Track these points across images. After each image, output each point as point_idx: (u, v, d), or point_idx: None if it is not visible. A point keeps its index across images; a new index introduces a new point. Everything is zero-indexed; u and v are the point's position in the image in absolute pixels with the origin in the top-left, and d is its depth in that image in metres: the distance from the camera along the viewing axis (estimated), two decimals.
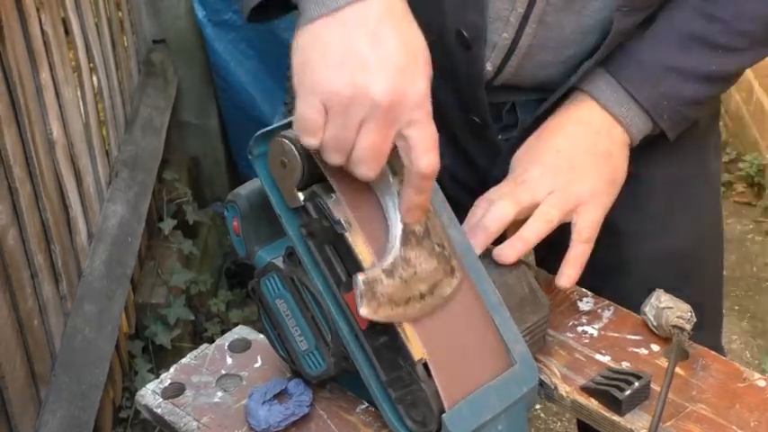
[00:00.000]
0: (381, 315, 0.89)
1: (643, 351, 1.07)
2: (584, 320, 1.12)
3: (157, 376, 1.13)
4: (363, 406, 1.02)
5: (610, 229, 1.16)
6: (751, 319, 2.89)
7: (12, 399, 1.75)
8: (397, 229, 0.91)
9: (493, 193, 1.11)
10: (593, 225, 1.11)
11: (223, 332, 1.74)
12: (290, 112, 1.02)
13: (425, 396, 0.92)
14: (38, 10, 1.99)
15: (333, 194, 0.91)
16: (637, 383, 1.00)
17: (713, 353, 1.07)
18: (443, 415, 0.91)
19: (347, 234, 0.90)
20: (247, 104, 2.98)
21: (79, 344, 2.06)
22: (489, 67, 1.19)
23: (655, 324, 1.08)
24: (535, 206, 1.10)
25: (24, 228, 1.84)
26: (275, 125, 0.95)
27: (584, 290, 1.15)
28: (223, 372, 1.07)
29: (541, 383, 1.02)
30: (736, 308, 2.92)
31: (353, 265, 0.91)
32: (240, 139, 3.07)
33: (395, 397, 0.94)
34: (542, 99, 1.21)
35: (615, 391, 1.00)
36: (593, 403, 1.01)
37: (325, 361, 0.98)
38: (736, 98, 3.59)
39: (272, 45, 2.89)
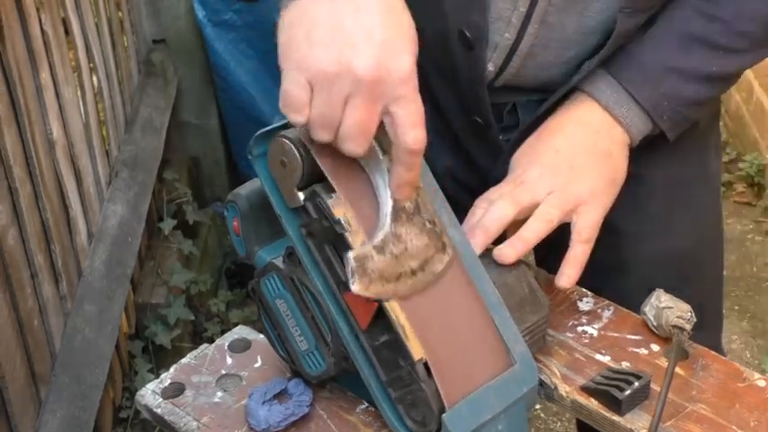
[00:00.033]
0: (373, 291, 0.89)
1: (643, 351, 1.07)
2: (584, 320, 1.12)
3: (157, 376, 1.13)
4: (363, 406, 1.02)
5: (609, 230, 1.16)
6: (751, 319, 2.89)
7: (12, 399, 1.76)
8: (387, 206, 0.91)
9: (492, 193, 1.11)
10: (593, 225, 1.11)
11: (223, 332, 1.74)
12: None
13: (425, 396, 0.92)
14: (38, 10, 1.99)
15: (333, 194, 0.91)
16: (637, 383, 1.00)
17: (713, 353, 1.07)
18: (443, 415, 0.91)
19: (347, 234, 0.90)
20: (247, 104, 2.98)
21: (79, 344, 2.06)
22: (491, 67, 1.19)
23: (655, 324, 1.08)
24: (535, 206, 1.10)
25: (24, 228, 1.84)
26: (275, 125, 0.95)
27: (584, 290, 1.15)
28: (223, 372, 1.07)
29: (541, 383, 1.02)
30: (736, 308, 2.92)
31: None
32: (240, 139, 3.07)
33: (395, 397, 0.94)
34: (543, 100, 1.21)
35: (615, 391, 1.00)
36: (593, 403, 1.02)
37: (325, 361, 0.98)
38: (736, 98, 3.59)
39: (272, 45, 2.88)
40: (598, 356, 1.07)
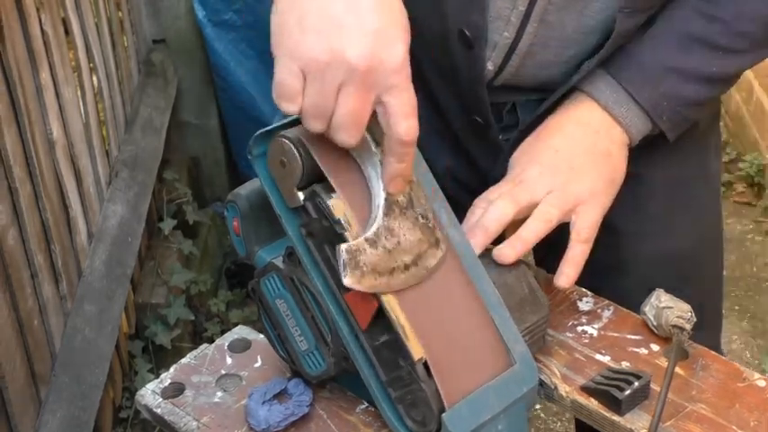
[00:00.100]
0: (365, 285, 0.89)
1: (643, 351, 1.07)
2: (584, 320, 1.12)
3: (157, 376, 1.13)
4: (363, 406, 1.02)
5: (609, 229, 1.16)
6: (751, 319, 2.89)
7: (12, 399, 1.76)
8: (380, 198, 0.91)
9: (491, 192, 1.11)
10: (592, 225, 1.11)
11: (223, 332, 1.74)
12: None
13: (425, 396, 0.92)
14: (38, 10, 1.99)
15: (333, 194, 0.91)
16: (636, 383, 1.00)
17: (713, 353, 1.07)
18: (443, 415, 0.91)
19: (347, 234, 0.90)
20: (247, 104, 2.98)
21: (79, 344, 2.06)
22: (490, 66, 1.19)
23: (655, 324, 1.08)
24: (534, 206, 1.10)
25: (24, 228, 1.84)
26: (275, 125, 0.95)
27: (584, 290, 1.15)
28: (223, 372, 1.07)
29: (541, 383, 1.02)
30: (736, 308, 2.92)
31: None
32: (240, 139, 3.07)
33: (395, 397, 0.94)
34: (543, 99, 1.21)
35: (615, 391, 1.00)
36: (593, 403, 1.02)
37: (325, 361, 0.98)
38: (736, 98, 3.59)
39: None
40: (598, 356, 1.07)
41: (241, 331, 1.12)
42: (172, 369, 1.08)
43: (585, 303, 1.14)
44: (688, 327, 1.05)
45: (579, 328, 1.11)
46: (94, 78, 2.42)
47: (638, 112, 1.16)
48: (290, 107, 0.88)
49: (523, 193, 1.10)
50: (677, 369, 1.03)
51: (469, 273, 0.97)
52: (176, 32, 2.95)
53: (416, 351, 0.91)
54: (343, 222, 0.90)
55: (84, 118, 2.28)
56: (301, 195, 0.93)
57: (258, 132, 0.94)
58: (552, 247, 1.12)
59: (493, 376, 0.95)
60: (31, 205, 1.89)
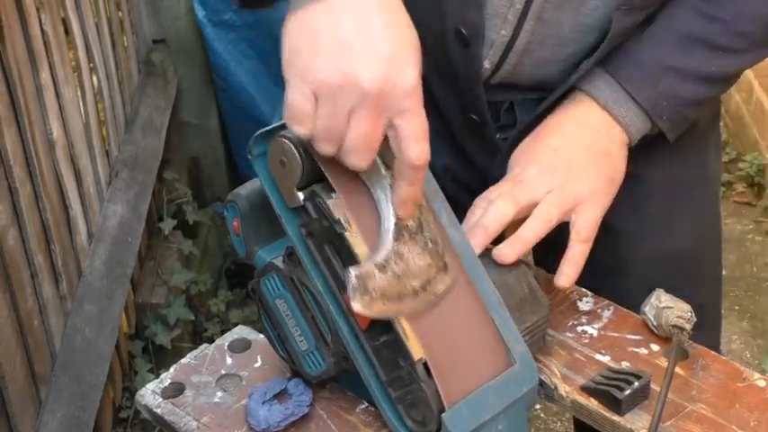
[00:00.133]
0: (374, 311, 0.89)
1: (643, 351, 1.07)
2: (584, 320, 1.12)
3: (157, 376, 1.13)
4: (363, 406, 1.02)
5: (608, 229, 1.16)
6: (751, 319, 2.89)
7: (12, 399, 1.76)
8: (389, 222, 0.91)
9: (491, 192, 1.11)
10: (592, 224, 1.11)
11: (223, 332, 1.74)
12: None
13: (425, 396, 0.92)
14: (38, 10, 1.99)
15: (333, 194, 0.91)
16: (636, 383, 1.00)
17: (713, 353, 1.07)
18: (443, 415, 0.91)
19: (347, 234, 0.90)
20: (247, 104, 2.98)
21: (79, 344, 2.06)
22: (487, 64, 1.19)
23: (655, 324, 1.08)
24: (534, 205, 1.10)
25: (24, 228, 1.84)
26: (275, 125, 0.95)
27: (584, 290, 1.15)
28: (223, 372, 1.07)
29: (541, 383, 1.02)
30: (736, 308, 2.92)
31: (353, 265, 0.91)
32: (240, 139, 3.07)
33: (395, 397, 0.94)
34: (540, 98, 1.21)
35: (615, 391, 1.00)
36: (592, 403, 1.02)
37: (326, 361, 0.98)
38: (736, 98, 3.59)
39: (272, 45, 2.89)
40: (598, 356, 1.07)
41: (241, 331, 1.12)
42: (172, 369, 1.08)
43: (585, 303, 1.14)
44: (688, 327, 1.05)
45: (579, 328, 1.11)
46: (94, 78, 2.42)
47: (637, 112, 1.16)
48: (301, 129, 0.88)
49: (523, 193, 1.10)
50: (677, 369, 1.03)
51: (469, 273, 0.97)
52: (176, 32, 2.95)
53: (416, 351, 0.91)
54: (342, 222, 0.90)
55: (84, 118, 2.28)
56: (301, 195, 0.93)
57: (258, 132, 0.95)
58: (552, 246, 1.12)
59: (493, 376, 0.95)
60: (31, 205, 1.89)
